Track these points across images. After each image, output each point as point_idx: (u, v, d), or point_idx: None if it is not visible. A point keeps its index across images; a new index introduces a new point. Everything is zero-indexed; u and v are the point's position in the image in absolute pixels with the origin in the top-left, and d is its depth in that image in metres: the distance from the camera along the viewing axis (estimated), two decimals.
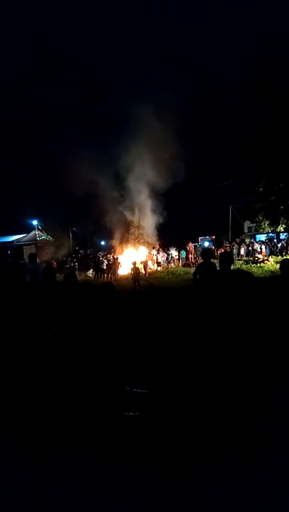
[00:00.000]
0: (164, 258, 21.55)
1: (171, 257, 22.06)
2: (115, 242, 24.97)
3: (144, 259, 15.80)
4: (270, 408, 1.97)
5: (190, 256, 22.35)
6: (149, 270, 16.90)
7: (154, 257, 20.85)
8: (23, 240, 27.72)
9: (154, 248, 22.20)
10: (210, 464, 1.87)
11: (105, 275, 17.49)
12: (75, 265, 19.83)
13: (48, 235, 29.25)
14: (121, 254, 21.81)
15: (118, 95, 23.31)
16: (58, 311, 3.44)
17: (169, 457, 2.01)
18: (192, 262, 20.95)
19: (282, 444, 1.87)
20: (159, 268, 19.99)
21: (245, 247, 24.03)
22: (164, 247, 23.94)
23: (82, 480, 1.90)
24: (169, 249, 22.72)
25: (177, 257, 22.40)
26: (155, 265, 20.24)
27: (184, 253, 22.34)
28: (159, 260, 20.81)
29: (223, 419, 2.09)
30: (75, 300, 3.51)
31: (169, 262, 21.58)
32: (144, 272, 14.00)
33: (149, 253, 20.82)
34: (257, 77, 26.80)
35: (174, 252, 22.46)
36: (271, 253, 22.22)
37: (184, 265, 20.68)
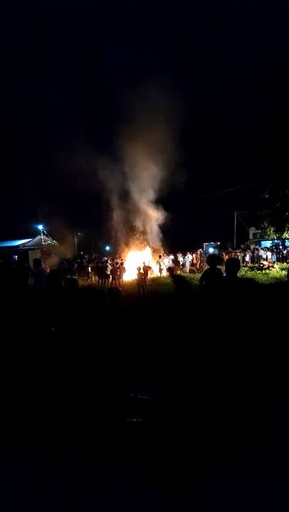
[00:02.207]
0: (169, 263, 21.54)
1: (183, 262, 22.04)
2: (120, 247, 25.04)
3: (143, 265, 15.73)
4: (272, 413, 1.95)
5: (195, 262, 22.29)
6: (151, 276, 16.85)
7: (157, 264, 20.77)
8: (29, 244, 27.86)
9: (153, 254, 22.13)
10: (212, 469, 1.85)
11: (109, 280, 17.48)
12: (73, 270, 19.90)
13: (53, 239, 29.41)
14: (125, 259, 21.80)
15: (123, 97, 23.51)
16: (59, 314, 3.43)
17: (171, 462, 1.99)
18: (197, 268, 20.89)
19: (284, 448, 1.84)
20: (162, 274, 19.93)
21: (251, 254, 23.94)
22: (169, 252, 23.98)
23: (85, 484, 1.88)
24: (181, 255, 22.76)
25: (182, 263, 22.36)
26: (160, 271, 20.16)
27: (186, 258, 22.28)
28: (162, 267, 20.75)
29: (226, 425, 2.07)
30: (76, 304, 3.51)
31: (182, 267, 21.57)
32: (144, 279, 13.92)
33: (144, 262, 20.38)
34: (264, 81, 26.93)
35: (180, 258, 22.43)
36: (276, 260, 22.11)
37: (188, 271, 20.59)
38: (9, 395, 2.88)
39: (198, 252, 24.02)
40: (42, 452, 2.24)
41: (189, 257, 21.93)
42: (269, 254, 22.55)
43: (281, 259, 22.46)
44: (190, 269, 20.98)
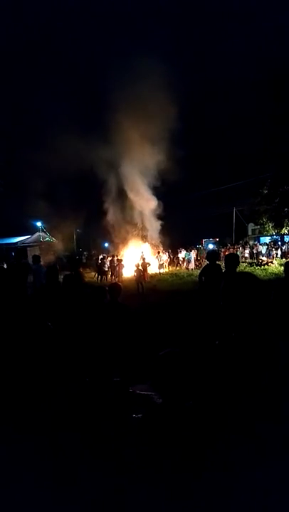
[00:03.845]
0: (167, 259, 21.53)
1: (183, 258, 22.06)
2: (119, 244, 24.99)
3: (142, 262, 15.64)
4: (272, 410, 1.94)
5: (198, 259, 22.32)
6: (149, 273, 16.82)
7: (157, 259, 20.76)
8: (27, 241, 27.78)
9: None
10: (212, 467, 1.84)
11: (108, 277, 17.46)
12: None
13: (51, 236, 29.33)
14: (124, 255, 21.77)
15: (121, 94, 23.35)
16: (60, 310, 3.41)
17: (171, 460, 1.98)
18: (196, 265, 20.88)
19: (285, 446, 1.83)
20: (162, 270, 19.91)
21: (249, 250, 23.94)
22: (168, 248, 23.99)
23: (85, 482, 1.87)
24: (180, 251, 22.75)
25: (182, 260, 22.38)
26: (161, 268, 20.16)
27: (188, 255, 22.28)
28: (161, 262, 20.71)
29: (226, 421, 2.06)
30: (76, 300, 3.50)
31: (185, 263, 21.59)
32: (143, 276, 13.89)
33: (142, 257, 20.09)
34: (263, 78, 26.79)
35: (180, 255, 22.43)
36: (275, 255, 22.12)
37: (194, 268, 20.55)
38: (8, 391, 2.86)
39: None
40: (42, 449, 2.23)
41: (191, 254, 21.94)
42: (274, 250, 22.47)
43: (281, 255, 22.44)
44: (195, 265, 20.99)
